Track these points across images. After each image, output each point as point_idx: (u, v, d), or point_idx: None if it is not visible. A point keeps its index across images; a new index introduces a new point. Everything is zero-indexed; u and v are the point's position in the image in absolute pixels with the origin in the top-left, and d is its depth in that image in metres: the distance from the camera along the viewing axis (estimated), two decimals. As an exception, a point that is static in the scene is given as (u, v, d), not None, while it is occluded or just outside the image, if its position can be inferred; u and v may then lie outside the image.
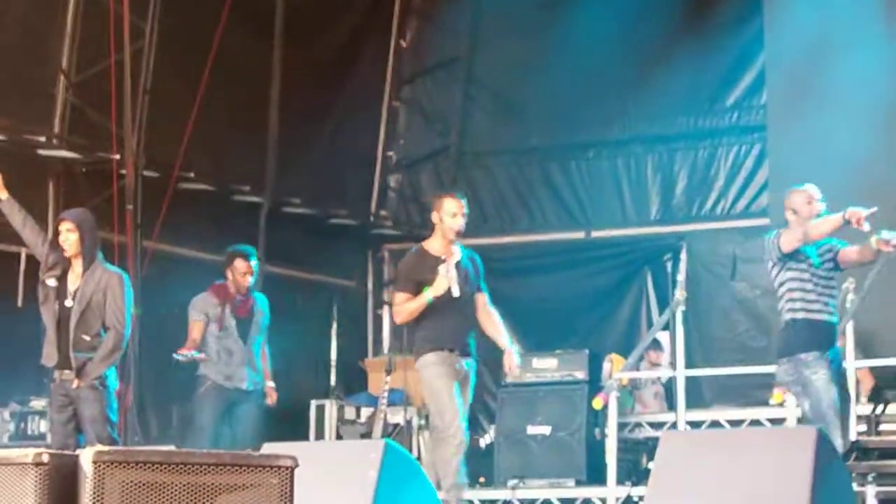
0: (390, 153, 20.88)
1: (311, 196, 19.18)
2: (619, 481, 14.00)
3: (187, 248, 17.27)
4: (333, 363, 19.09)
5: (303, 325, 18.45)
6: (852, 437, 13.64)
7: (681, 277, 18.11)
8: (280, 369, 16.97)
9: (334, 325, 19.20)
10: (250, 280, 14.12)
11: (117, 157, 16.36)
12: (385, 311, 20.52)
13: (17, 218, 12.35)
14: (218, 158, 18.01)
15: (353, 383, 18.72)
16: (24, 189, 13.17)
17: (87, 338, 11.97)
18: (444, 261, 11.76)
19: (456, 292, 11.68)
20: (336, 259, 19.78)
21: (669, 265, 18.88)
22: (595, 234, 19.28)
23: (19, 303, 14.96)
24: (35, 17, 16.12)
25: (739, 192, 19.17)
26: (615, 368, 14.78)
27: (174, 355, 13.60)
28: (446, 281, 11.67)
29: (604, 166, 19.61)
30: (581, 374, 15.31)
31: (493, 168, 20.30)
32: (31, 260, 13.51)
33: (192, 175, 17.51)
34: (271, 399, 14.43)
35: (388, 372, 17.03)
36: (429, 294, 11.60)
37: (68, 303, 12.00)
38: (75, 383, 11.92)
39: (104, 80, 16.30)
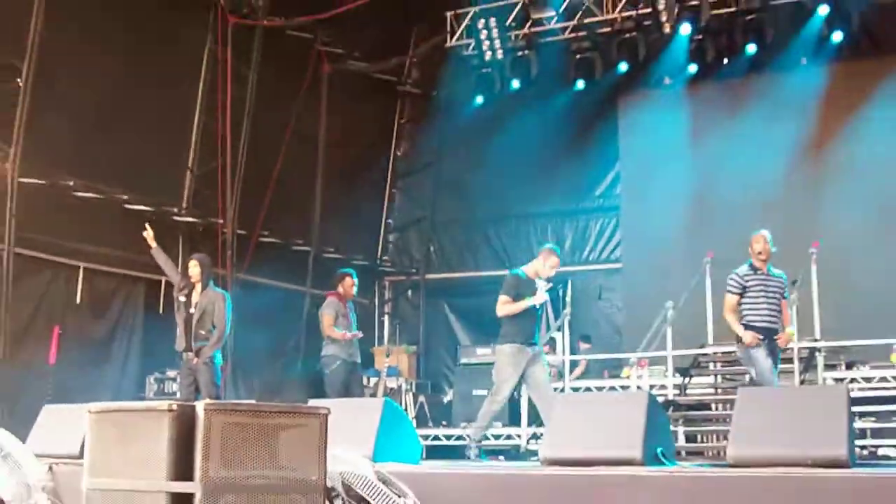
0: (390, 221, 20.85)
1: (341, 247, 19.14)
2: (529, 424, 14.03)
3: (264, 279, 17.25)
4: (355, 349, 19.13)
5: (335, 327, 18.45)
6: (669, 396, 13.75)
7: (568, 299, 18.21)
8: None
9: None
10: (355, 290, 14.12)
11: (221, 221, 16.49)
12: (386, 318, 20.51)
13: (162, 258, 12.77)
14: (284, 222, 18.02)
15: (366, 362, 18.67)
16: (163, 241, 13.33)
17: (203, 332, 12.31)
18: (534, 283, 11.50)
19: (538, 303, 11.48)
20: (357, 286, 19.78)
21: (561, 292, 18.87)
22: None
23: (160, 310, 15.01)
24: (173, 138, 16.31)
25: (604, 247, 19.17)
26: (527, 355, 14.78)
27: (353, 336, 13.74)
28: (544, 297, 11.50)
29: (521, 230, 19.60)
30: (505, 358, 15.33)
31: (453, 231, 20.27)
32: (168, 284, 13.81)
33: (267, 233, 17.58)
34: None
35: (387, 355, 17.07)
36: (529, 302, 11.31)
37: (192, 311, 12.35)
38: (195, 361, 12.23)
39: (214, 174, 16.49)
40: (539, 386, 11.45)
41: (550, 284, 11.70)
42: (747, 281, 11.25)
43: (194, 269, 12.61)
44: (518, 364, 11.31)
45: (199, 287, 12.56)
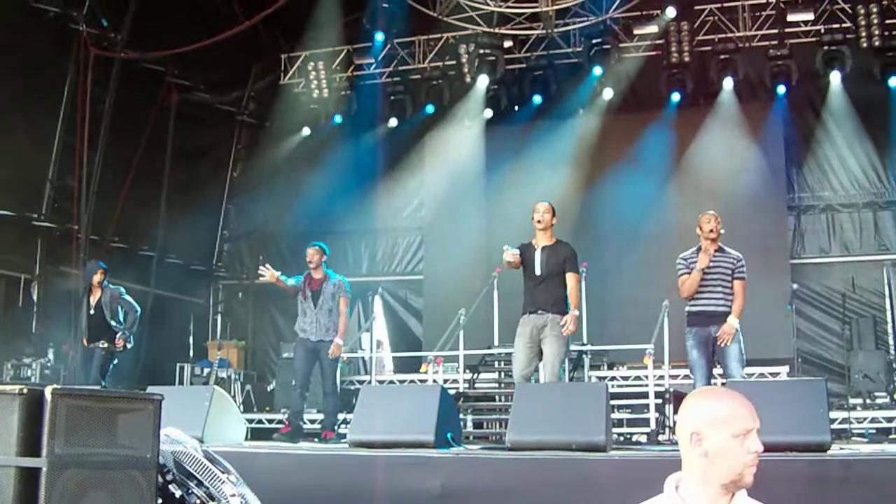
0: (225, 232, 20.55)
1: (181, 253, 18.80)
2: (341, 411, 13.99)
3: (113, 280, 16.86)
4: (191, 343, 18.82)
5: (175, 323, 18.15)
6: (460, 389, 13.87)
7: (379, 304, 18.35)
8: (164, 348, 16.85)
9: (192, 323, 18.93)
10: (309, 259, 12.04)
11: (76, 228, 16.05)
12: (219, 317, 20.23)
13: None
14: (132, 230, 17.58)
15: (200, 354, 18.46)
16: (24, 244, 13.06)
17: (114, 323, 12.80)
18: (532, 246, 9.94)
19: (538, 271, 9.78)
20: (194, 288, 19.42)
21: (373, 297, 18.93)
22: (334, 280, 19.24)
23: (20, 304, 14.70)
24: (37, 152, 15.69)
25: (409, 261, 19.28)
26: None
27: (271, 275, 11.89)
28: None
29: (339, 244, 19.30)
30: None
31: (280, 242, 19.97)
32: (27, 281, 13.38)
33: (116, 239, 17.16)
34: (332, 352, 11.73)
35: (219, 349, 16.90)
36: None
37: (92, 312, 12.86)
38: (119, 343, 12.78)
39: (71, 186, 16.01)
40: (544, 365, 9.92)
41: (542, 244, 10.05)
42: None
43: (101, 276, 13.00)
44: (521, 333, 9.77)
45: (98, 288, 12.91)
